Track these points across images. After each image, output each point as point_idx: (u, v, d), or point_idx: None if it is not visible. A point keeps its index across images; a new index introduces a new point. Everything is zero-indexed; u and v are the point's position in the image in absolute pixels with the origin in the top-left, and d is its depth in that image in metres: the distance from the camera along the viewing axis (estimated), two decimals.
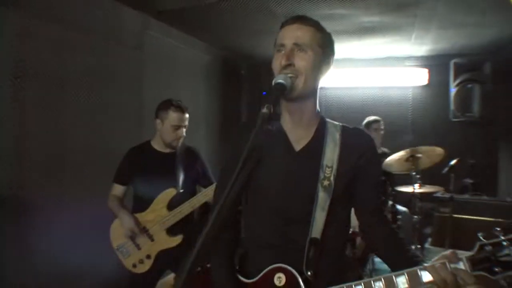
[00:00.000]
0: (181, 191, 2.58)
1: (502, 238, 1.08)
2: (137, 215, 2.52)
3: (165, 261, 2.52)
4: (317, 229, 1.31)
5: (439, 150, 3.71)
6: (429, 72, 5.39)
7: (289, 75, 1.29)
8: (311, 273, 1.28)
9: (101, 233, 2.59)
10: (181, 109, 2.59)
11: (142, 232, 2.49)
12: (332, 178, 1.33)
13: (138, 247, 2.50)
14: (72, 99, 2.99)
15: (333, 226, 1.35)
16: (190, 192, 2.67)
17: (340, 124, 1.46)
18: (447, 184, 3.89)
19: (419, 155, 3.69)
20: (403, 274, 1.13)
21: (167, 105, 2.58)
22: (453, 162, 3.82)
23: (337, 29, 4.13)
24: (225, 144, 5.08)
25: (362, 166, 1.39)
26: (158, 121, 2.59)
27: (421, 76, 5.41)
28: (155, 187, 2.52)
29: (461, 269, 1.08)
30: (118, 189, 2.62)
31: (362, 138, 1.44)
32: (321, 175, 1.33)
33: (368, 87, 5.64)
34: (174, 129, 2.57)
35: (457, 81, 4.66)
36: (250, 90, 5.91)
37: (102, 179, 2.80)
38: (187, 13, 3.62)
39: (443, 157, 3.74)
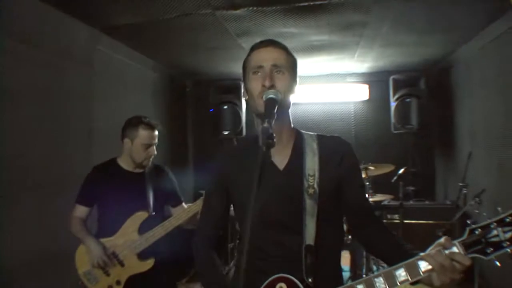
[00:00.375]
0: (153, 213, 2.50)
1: (490, 221, 1.14)
2: (105, 240, 2.40)
3: (136, 285, 2.41)
4: (310, 236, 1.36)
5: (388, 166, 3.98)
6: (370, 88, 5.71)
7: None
8: (311, 279, 1.32)
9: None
10: (151, 127, 2.52)
11: (112, 259, 2.36)
12: (315, 186, 1.40)
13: (107, 273, 2.37)
14: (19, 114, 2.78)
15: (325, 231, 1.41)
16: (160, 213, 2.60)
17: (315, 134, 1.54)
18: (395, 192, 4.15)
19: (372, 167, 3.91)
20: (401, 266, 1.18)
21: (136, 122, 2.50)
22: (401, 171, 4.07)
23: (290, 47, 4.26)
24: (171, 162, 5.00)
25: (344, 172, 1.46)
26: (126, 140, 2.50)
27: (362, 92, 5.73)
28: (124, 209, 2.42)
29: (456, 253, 1.13)
30: (81, 211, 2.47)
31: (339, 144, 1.52)
32: (305, 184, 1.40)
33: (312, 103, 5.84)
34: (145, 148, 2.50)
35: (396, 96, 4.98)
36: (196, 108, 5.88)
37: (51, 198, 2.65)
38: (135, 29, 3.55)
39: (393, 168, 4.02)
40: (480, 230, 1.14)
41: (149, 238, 2.42)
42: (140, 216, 2.45)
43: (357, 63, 5.18)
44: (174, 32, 3.64)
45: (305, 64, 5.12)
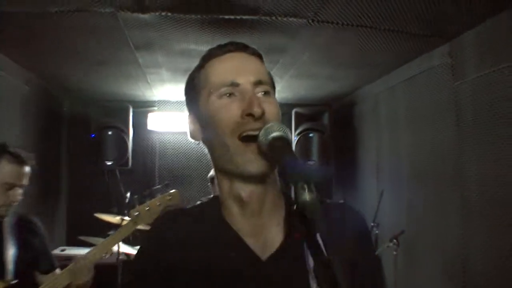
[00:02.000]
0: (14, 282, 1.80)
1: None
2: None
3: None
4: None
5: None
6: None
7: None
8: None
9: None
10: (20, 161, 1.79)
11: None
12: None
13: None
14: None
15: None
16: (26, 282, 1.85)
17: None
18: None
19: None
20: None
21: None
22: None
23: (190, 67, 3.66)
24: (38, 198, 3.97)
25: (359, 259, 0.90)
26: None
27: None
28: None
29: None
30: None
31: (351, 217, 0.98)
32: (313, 285, 0.79)
33: None
34: (5, 189, 1.81)
35: (299, 130, 4.78)
36: (73, 132, 4.87)
37: None
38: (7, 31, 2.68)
39: None
40: None
41: None
42: None
43: None
44: (54, 32, 2.79)
45: None
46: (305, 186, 0.63)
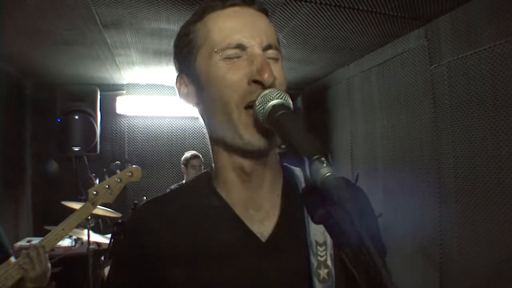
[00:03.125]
0: None
1: None
2: None
3: None
4: None
5: None
6: None
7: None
8: None
9: None
10: None
11: None
12: (329, 261, 0.78)
13: None
14: None
15: None
16: None
17: None
18: None
19: None
20: None
21: None
22: None
23: (160, 49, 3.58)
24: (3, 187, 3.75)
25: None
26: None
27: None
28: None
29: None
30: None
31: (353, 190, 0.91)
32: (314, 262, 0.77)
33: (177, 117, 5.13)
34: None
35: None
36: (37, 117, 4.61)
37: None
38: None
39: None
40: None
41: None
42: None
43: None
44: (15, 10, 2.60)
45: (175, 73, 4.45)
46: (323, 160, 0.57)
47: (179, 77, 0.86)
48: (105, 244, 3.16)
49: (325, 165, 0.57)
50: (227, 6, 0.78)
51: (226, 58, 0.75)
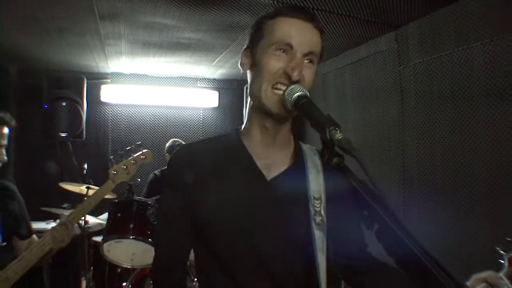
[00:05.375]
0: (3, 244, 1.84)
1: None
2: None
3: None
4: (323, 281, 1.02)
5: None
6: (219, 95, 5.58)
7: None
8: None
9: None
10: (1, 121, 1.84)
11: None
12: (323, 212, 1.06)
13: None
14: None
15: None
16: (9, 246, 1.88)
17: (315, 147, 1.22)
18: None
19: None
20: None
21: None
22: None
23: (150, 41, 3.77)
24: None
25: (350, 203, 1.11)
26: None
27: (212, 98, 5.55)
28: None
29: None
30: None
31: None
32: (312, 210, 1.05)
33: (160, 106, 5.37)
34: None
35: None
36: (21, 103, 4.65)
37: None
38: None
39: None
40: None
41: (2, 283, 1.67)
42: None
43: (211, 68, 4.98)
44: None
45: (160, 63, 4.65)
46: (337, 129, 0.86)
47: (245, 50, 1.14)
48: (96, 224, 3.35)
49: (338, 131, 0.86)
50: (293, 17, 1.06)
51: (276, 50, 1.04)
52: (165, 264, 1.16)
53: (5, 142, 1.93)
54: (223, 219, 1.05)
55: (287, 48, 1.03)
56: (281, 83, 1.03)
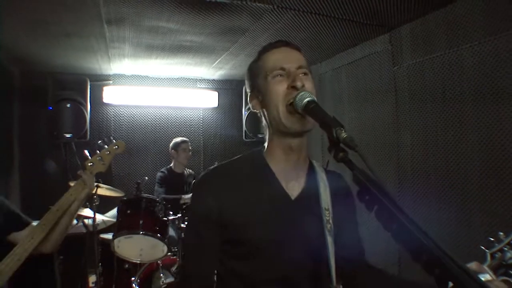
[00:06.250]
0: None
1: (503, 244, 1.16)
2: None
3: None
4: (334, 279, 1.19)
5: None
6: (219, 95, 5.72)
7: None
8: None
9: None
10: None
11: None
12: (331, 221, 1.23)
13: None
14: None
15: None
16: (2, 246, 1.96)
17: (321, 163, 1.38)
18: None
19: None
20: None
21: None
22: None
23: (153, 44, 3.90)
24: None
25: (348, 211, 1.34)
26: None
27: (212, 99, 5.69)
28: None
29: (494, 279, 1.07)
30: None
31: (344, 181, 1.39)
32: (324, 219, 1.22)
33: (161, 107, 5.50)
34: None
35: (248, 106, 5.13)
36: (26, 104, 4.76)
37: None
38: None
39: None
40: (499, 253, 1.15)
41: None
42: None
43: (211, 69, 5.11)
44: (25, 2, 2.83)
45: (161, 65, 4.78)
46: (342, 129, 0.99)
47: (250, 95, 1.29)
48: (103, 222, 3.47)
49: (343, 131, 0.99)
50: (274, 47, 1.25)
51: (274, 76, 1.20)
52: (193, 275, 1.24)
53: None
54: (252, 235, 1.18)
55: (282, 72, 1.20)
56: (294, 97, 1.17)
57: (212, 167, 1.31)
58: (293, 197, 1.23)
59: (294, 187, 1.25)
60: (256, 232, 1.17)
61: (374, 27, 3.39)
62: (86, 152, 2.18)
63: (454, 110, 2.81)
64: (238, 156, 1.33)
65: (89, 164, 2.13)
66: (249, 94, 1.31)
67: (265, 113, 1.25)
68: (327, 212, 1.22)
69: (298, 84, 1.16)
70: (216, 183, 1.23)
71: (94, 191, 3.17)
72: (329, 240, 1.19)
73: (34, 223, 2.12)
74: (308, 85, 1.20)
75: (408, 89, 3.25)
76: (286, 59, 1.21)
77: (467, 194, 2.70)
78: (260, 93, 1.24)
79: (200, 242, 1.23)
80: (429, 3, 2.86)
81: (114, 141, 2.26)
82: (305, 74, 1.22)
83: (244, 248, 1.19)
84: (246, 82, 1.33)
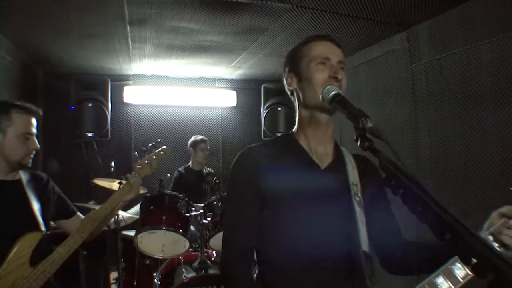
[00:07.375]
0: (48, 232, 1.97)
1: None
2: None
3: None
4: (364, 242, 1.27)
5: None
6: (237, 95, 5.79)
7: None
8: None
9: None
10: (29, 110, 1.98)
11: None
12: (360, 195, 1.34)
13: None
14: None
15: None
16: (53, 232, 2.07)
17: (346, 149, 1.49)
18: None
19: None
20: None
21: (6, 107, 1.93)
22: None
23: (174, 44, 3.98)
24: None
25: (379, 190, 1.42)
26: None
27: (230, 98, 5.76)
28: (4, 232, 1.82)
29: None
30: None
31: (371, 163, 1.46)
32: (352, 191, 1.32)
33: (180, 106, 5.61)
34: (23, 139, 1.94)
35: (268, 104, 5.18)
36: (49, 104, 4.88)
37: None
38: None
39: None
40: None
41: (48, 268, 1.84)
42: (33, 238, 1.87)
43: (230, 69, 5.18)
44: (53, 5, 2.95)
45: (181, 65, 4.86)
46: (368, 119, 1.05)
47: (288, 72, 1.42)
48: (127, 218, 3.55)
49: (369, 121, 1.05)
50: (322, 40, 1.38)
51: (317, 63, 1.32)
52: (238, 246, 1.32)
53: (35, 131, 2.02)
54: (287, 202, 1.29)
55: (325, 60, 1.33)
56: (332, 85, 1.29)
57: (246, 147, 1.42)
58: (322, 167, 1.35)
59: (322, 159, 1.37)
60: (290, 198, 1.29)
61: (392, 25, 3.41)
62: (136, 154, 2.27)
63: (473, 108, 2.81)
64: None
65: (138, 166, 2.20)
66: (286, 72, 1.43)
67: (299, 92, 1.37)
68: (355, 187, 1.33)
69: (339, 76, 1.29)
70: (254, 156, 1.37)
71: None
72: (358, 210, 1.28)
73: (79, 214, 2.26)
74: (344, 79, 1.33)
75: (425, 87, 3.26)
76: (331, 51, 1.35)
77: (487, 191, 2.70)
78: (300, 73, 1.37)
79: (247, 214, 1.33)
80: (446, 1, 2.88)
81: (161, 146, 2.32)
82: (342, 68, 1.35)
83: (280, 213, 1.29)
84: (286, 62, 1.46)
